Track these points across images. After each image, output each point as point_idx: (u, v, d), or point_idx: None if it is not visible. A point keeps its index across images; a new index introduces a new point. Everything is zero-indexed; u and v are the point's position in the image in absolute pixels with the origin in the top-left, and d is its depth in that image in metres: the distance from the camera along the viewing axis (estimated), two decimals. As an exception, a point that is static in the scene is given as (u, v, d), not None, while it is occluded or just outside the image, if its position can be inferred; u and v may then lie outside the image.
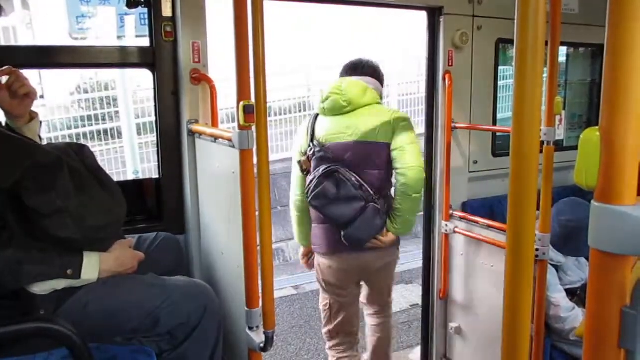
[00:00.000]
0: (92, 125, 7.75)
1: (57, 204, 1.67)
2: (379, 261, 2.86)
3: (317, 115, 2.87)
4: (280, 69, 9.01)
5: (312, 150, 2.73)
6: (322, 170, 2.62)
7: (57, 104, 7.84)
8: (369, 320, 3.19)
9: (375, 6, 2.99)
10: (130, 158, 7.06)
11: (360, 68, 2.86)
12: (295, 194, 2.91)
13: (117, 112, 7.58)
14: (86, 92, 8.14)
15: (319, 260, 2.91)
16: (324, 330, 3.03)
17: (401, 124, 2.70)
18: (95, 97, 8.04)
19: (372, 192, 2.65)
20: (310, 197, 2.64)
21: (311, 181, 2.65)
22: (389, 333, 3.18)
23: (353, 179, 2.63)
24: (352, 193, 2.60)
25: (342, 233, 2.66)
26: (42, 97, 7.75)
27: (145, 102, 7.84)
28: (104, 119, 7.88)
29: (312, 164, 2.71)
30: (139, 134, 7.64)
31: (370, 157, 2.70)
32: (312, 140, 2.78)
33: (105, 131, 7.83)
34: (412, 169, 2.63)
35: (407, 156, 2.64)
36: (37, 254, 1.69)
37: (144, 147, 7.67)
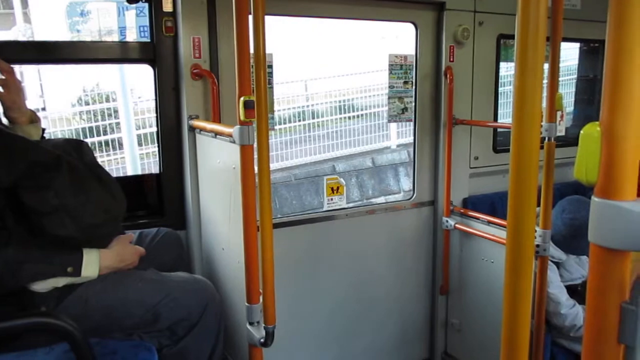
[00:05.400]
0: (93, 136, 7.79)
1: (55, 203, 1.65)
2: None
3: None
4: (280, 79, 9.03)
5: None
6: None
7: (59, 115, 7.88)
8: None
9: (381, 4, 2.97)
10: (131, 170, 7.16)
11: None
12: None
13: (118, 124, 7.65)
14: (87, 103, 8.17)
15: None
16: None
17: None
18: (96, 108, 8.07)
19: None
20: None
21: None
22: None
23: None
24: None
25: None
26: (43, 109, 7.77)
27: (146, 113, 7.89)
28: (105, 131, 7.92)
29: None
30: (140, 145, 7.70)
31: None
32: None
33: (107, 142, 7.87)
34: None
35: None
36: (37, 253, 1.69)
37: (145, 157, 7.72)
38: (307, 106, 9.36)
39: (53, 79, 7.94)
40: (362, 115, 9.29)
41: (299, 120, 9.00)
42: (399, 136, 9.25)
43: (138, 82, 7.10)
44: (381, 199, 7.85)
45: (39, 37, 7.40)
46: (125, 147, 7.36)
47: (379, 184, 8.07)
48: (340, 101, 9.30)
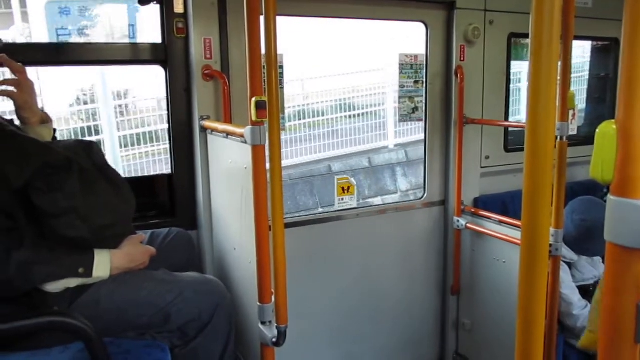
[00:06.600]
0: (92, 135, 7.81)
1: (65, 205, 1.65)
2: None
3: None
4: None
5: None
6: None
7: (57, 115, 7.92)
8: None
9: (391, 3, 2.97)
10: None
11: None
12: None
13: (122, 122, 7.69)
14: (85, 103, 8.21)
15: None
16: None
17: None
18: (95, 107, 8.10)
19: None
20: None
21: None
22: None
23: None
24: None
25: None
26: (42, 109, 7.81)
27: (145, 112, 7.90)
28: (90, 132, 7.92)
29: None
30: (139, 144, 7.70)
31: None
32: None
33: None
34: None
35: None
36: (48, 254, 1.69)
37: (139, 157, 7.73)
38: (303, 105, 9.31)
39: (50, 79, 7.97)
40: (359, 114, 9.21)
41: (298, 119, 8.95)
42: (397, 136, 9.19)
43: (140, 82, 7.12)
44: (378, 200, 7.77)
45: (37, 37, 7.43)
46: (107, 149, 7.32)
47: (376, 184, 8.01)
48: (336, 100, 9.22)
